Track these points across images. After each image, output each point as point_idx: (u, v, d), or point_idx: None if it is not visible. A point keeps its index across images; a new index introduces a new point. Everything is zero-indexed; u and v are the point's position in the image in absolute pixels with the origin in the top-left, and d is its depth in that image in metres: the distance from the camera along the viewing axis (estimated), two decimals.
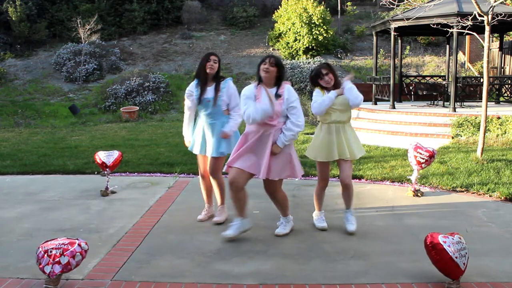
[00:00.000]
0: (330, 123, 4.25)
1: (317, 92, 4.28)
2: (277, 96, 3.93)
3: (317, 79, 4.24)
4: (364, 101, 14.97)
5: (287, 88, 4.00)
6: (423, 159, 5.47)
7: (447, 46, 14.49)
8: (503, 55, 14.59)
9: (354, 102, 4.20)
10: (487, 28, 7.08)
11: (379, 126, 10.58)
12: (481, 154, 7.09)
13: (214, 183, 4.61)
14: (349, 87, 4.21)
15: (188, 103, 4.57)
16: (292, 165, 4.04)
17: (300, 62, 17.47)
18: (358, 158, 4.40)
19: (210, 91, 4.39)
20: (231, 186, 3.97)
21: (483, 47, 8.42)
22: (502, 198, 5.37)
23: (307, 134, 10.39)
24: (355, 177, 6.40)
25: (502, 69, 14.81)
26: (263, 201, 4.86)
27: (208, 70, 4.37)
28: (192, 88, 4.50)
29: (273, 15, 20.75)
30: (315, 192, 4.47)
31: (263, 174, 3.93)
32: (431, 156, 5.50)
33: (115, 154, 5.83)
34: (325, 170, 4.38)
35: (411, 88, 14.20)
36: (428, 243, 3.21)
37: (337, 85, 4.25)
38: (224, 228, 4.23)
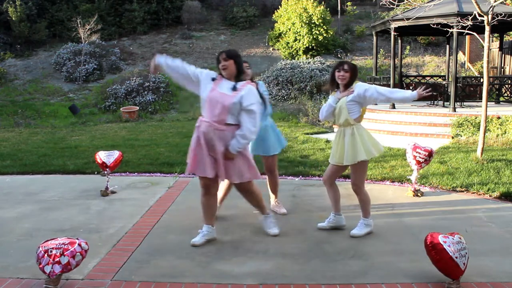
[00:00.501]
0: (338, 126, 4.26)
1: (329, 97, 4.25)
2: (234, 89, 3.73)
3: (335, 70, 4.10)
4: None
5: (249, 88, 3.76)
6: (422, 158, 5.48)
7: (447, 46, 14.49)
8: (503, 55, 14.59)
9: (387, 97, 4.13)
10: (487, 28, 7.08)
11: (379, 126, 10.58)
12: (481, 154, 7.09)
13: (270, 179, 4.80)
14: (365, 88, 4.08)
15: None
16: (251, 167, 3.90)
17: (300, 62, 17.46)
18: (354, 163, 4.18)
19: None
20: (203, 192, 3.96)
21: (483, 47, 8.42)
22: (502, 198, 5.37)
23: (307, 134, 10.40)
24: None
25: (502, 69, 14.81)
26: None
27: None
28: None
29: (273, 15, 20.75)
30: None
31: (223, 177, 3.87)
32: (430, 154, 5.50)
33: (116, 154, 5.83)
34: (328, 170, 4.36)
35: (411, 88, 14.20)
36: (428, 243, 3.21)
37: (348, 86, 4.12)
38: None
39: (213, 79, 3.84)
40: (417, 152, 5.51)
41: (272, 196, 4.92)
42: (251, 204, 4.23)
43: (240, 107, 3.70)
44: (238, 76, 3.82)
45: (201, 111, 3.85)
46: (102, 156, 5.76)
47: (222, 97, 3.71)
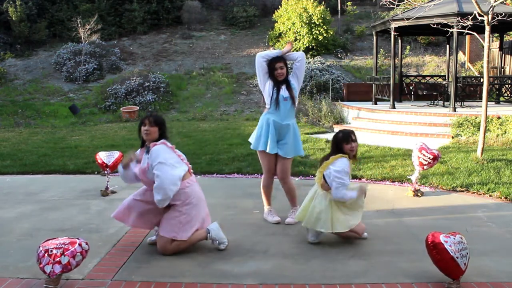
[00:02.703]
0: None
1: (344, 163, 3.90)
2: (147, 153, 3.76)
3: (344, 143, 3.91)
4: (364, 101, 14.95)
5: (152, 151, 3.72)
6: (426, 161, 5.45)
7: (447, 46, 14.49)
8: (503, 55, 14.59)
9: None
10: (487, 28, 7.08)
11: (379, 126, 10.58)
12: (481, 154, 7.09)
13: (286, 185, 4.63)
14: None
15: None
16: (182, 226, 3.76)
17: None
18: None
19: (285, 90, 4.46)
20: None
21: (483, 47, 8.42)
22: (502, 198, 5.37)
23: (307, 134, 10.40)
24: (355, 177, 6.41)
25: (502, 69, 14.81)
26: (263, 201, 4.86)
27: (279, 78, 4.44)
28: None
29: (273, 15, 20.75)
30: None
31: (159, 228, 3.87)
32: (435, 158, 5.45)
33: (116, 154, 5.85)
34: None
35: (411, 88, 14.20)
36: (429, 242, 3.21)
37: (355, 156, 4.06)
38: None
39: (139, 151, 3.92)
40: (422, 154, 5.48)
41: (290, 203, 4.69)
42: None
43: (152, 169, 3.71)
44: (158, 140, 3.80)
45: None
46: (103, 156, 5.77)
47: (142, 175, 3.81)
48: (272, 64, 4.43)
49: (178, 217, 3.75)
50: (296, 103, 4.54)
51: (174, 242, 3.75)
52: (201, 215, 3.86)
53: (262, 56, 4.46)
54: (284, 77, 4.47)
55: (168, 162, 3.68)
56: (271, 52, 4.50)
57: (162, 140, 3.79)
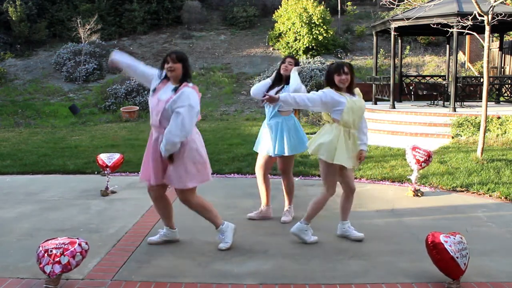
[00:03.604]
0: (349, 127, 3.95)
1: (326, 91, 3.86)
2: (175, 91, 3.65)
3: (335, 74, 3.83)
4: (364, 101, 14.77)
5: (182, 91, 3.61)
6: (422, 157, 5.48)
7: (447, 46, 14.49)
8: (503, 55, 14.59)
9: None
10: (487, 28, 7.08)
11: (379, 126, 10.58)
12: (481, 154, 7.09)
13: (285, 182, 4.69)
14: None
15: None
16: (188, 174, 3.70)
17: (300, 62, 17.46)
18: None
19: (284, 91, 4.51)
20: (151, 196, 3.97)
21: (483, 47, 8.42)
22: (502, 198, 5.37)
23: (307, 134, 10.38)
24: (355, 176, 6.41)
25: (502, 69, 14.80)
26: None
27: (282, 71, 4.53)
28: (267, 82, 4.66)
29: (273, 15, 20.74)
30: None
31: (153, 180, 3.74)
32: (429, 156, 5.53)
33: (116, 156, 5.89)
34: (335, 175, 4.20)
35: (411, 88, 14.20)
36: (429, 242, 3.21)
37: (351, 88, 3.92)
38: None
39: (159, 82, 3.77)
40: (416, 152, 5.53)
41: (286, 200, 4.75)
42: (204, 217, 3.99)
43: (171, 110, 3.60)
44: (183, 79, 3.72)
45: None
46: (103, 157, 5.80)
47: (158, 104, 3.68)
48: (284, 58, 4.61)
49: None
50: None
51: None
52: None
53: (253, 91, 4.62)
54: (288, 74, 4.52)
55: (196, 110, 3.64)
56: (261, 83, 4.66)
57: (194, 85, 3.77)
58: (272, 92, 4.39)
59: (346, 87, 3.89)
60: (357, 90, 3.99)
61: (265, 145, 4.58)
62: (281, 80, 4.57)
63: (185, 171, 3.68)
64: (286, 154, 4.51)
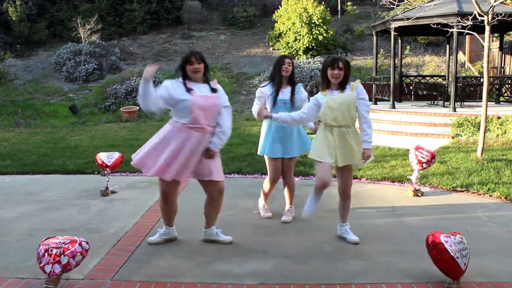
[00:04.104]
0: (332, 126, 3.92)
1: (320, 96, 3.88)
2: (214, 90, 3.78)
3: (329, 67, 3.79)
4: None
5: (219, 86, 3.89)
6: (424, 158, 5.48)
7: (447, 46, 14.49)
8: (503, 55, 14.59)
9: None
10: (487, 28, 7.08)
11: (379, 126, 10.57)
12: (481, 154, 7.09)
13: (288, 183, 4.70)
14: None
15: (255, 105, 4.63)
16: (220, 167, 3.94)
17: (300, 62, 17.46)
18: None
19: (286, 93, 4.49)
20: (164, 198, 3.97)
21: (483, 47, 8.42)
22: (502, 198, 5.37)
23: (308, 134, 10.38)
24: (354, 177, 6.41)
25: (502, 69, 14.81)
26: None
27: (283, 73, 4.49)
28: (266, 90, 4.56)
29: (273, 15, 20.74)
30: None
31: (211, 176, 3.80)
32: (432, 157, 5.49)
33: (116, 155, 5.87)
34: (327, 171, 4.15)
35: (411, 88, 14.20)
36: (429, 242, 3.21)
37: (343, 85, 3.84)
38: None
39: (186, 87, 3.74)
40: (419, 152, 5.52)
41: (287, 200, 4.74)
42: (213, 211, 4.00)
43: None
44: (206, 77, 3.84)
45: (182, 119, 3.73)
46: (103, 157, 5.79)
47: (209, 100, 3.72)
48: (282, 59, 4.55)
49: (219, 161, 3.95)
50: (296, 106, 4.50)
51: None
52: None
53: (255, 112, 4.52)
54: (289, 75, 4.51)
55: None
56: (259, 104, 4.58)
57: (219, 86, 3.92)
58: (286, 95, 4.46)
59: (338, 83, 3.82)
60: (354, 84, 3.86)
61: (279, 148, 4.55)
62: (282, 82, 4.51)
63: (220, 164, 3.92)
64: (296, 155, 4.59)
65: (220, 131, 3.80)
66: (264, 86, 4.62)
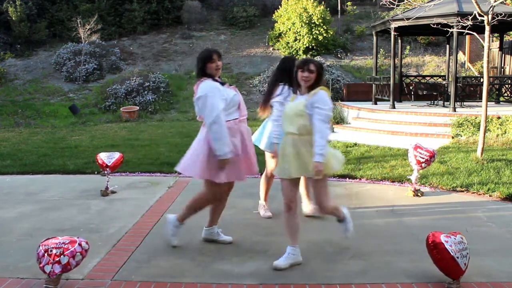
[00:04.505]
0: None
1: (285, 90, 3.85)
2: (223, 84, 3.86)
3: (300, 69, 3.54)
4: (364, 101, 14.89)
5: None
6: (423, 158, 5.48)
7: (447, 46, 14.49)
8: (503, 55, 14.59)
9: None
10: (487, 28, 7.08)
11: (379, 126, 10.58)
12: (481, 154, 7.09)
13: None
14: None
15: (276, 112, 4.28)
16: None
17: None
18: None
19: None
20: (222, 196, 4.04)
21: (483, 47, 8.42)
22: (502, 198, 5.37)
23: None
24: (354, 177, 6.41)
25: (502, 69, 14.81)
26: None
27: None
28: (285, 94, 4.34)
29: (273, 15, 20.74)
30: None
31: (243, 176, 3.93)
32: (431, 156, 5.50)
33: (116, 155, 5.86)
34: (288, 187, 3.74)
35: (411, 88, 14.20)
36: (430, 242, 3.21)
37: (312, 89, 3.54)
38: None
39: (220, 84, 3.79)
40: (418, 152, 5.52)
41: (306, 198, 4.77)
42: (220, 210, 4.12)
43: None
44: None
45: (231, 115, 3.78)
46: (103, 157, 5.78)
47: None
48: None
49: None
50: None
51: None
52: None
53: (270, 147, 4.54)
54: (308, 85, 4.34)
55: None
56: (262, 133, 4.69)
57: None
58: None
59: (307, 87, 3.54)
60: (315, 91, 3.51)
61: None
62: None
63: None
64: None
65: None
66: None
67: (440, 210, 4.96)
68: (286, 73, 4.36)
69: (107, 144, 9.34)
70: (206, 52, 3.79)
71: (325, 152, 3.39)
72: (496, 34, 14.99)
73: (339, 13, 22.18)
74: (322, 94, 3.50)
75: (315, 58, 18.17)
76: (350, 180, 6.36)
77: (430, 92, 13.28)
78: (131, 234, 4.28)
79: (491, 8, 6.94)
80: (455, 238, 3.19)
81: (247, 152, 3.86)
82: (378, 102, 13.17)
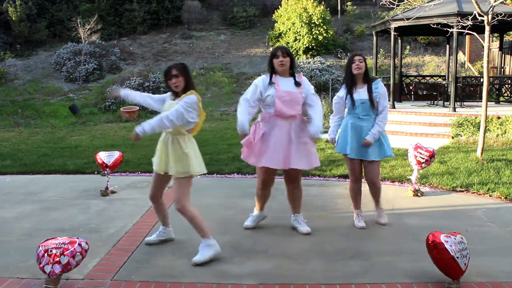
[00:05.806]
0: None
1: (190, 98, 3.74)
2: (297, 84, 4.09)
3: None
4: None
5: (303, 78, 4.20)
6: (423, 158, 5.48)
7: (447, 46, 14.49)
8: (503, 55, 14.59)
9: None
10: (487, 28, 7.08)
11: None
12: (481, 154, 7.09)
13: (375, 186, 4.47)
14: None
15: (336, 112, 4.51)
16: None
17: (300, 62, 17.46)
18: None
19: (362, 93, 4.27)
20: (264, 185, 4.27)
21: (483, 47, 8.42)
22: (502, 198, 5.37)
23: None
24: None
25: (502, 69, 14.81)
26: None
27: (355, 71, 4.27)
28: (341, 93, 4.38)
29: (273, 15, 20.75)
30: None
31: (309, 165, 4.14)
32: (431, 156, 5.50)
33: (116, 154, 5.85)
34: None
35: (411, 88, 14.20)
36: (430, 242, 3.21)
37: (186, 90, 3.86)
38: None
39: (270, 81, 4.09)
40: (418, 152, 5.52)
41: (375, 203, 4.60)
42: (297, 199, 4.34)
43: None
44: (292, 70, 4.14)
45: (268, 109, 4.09)
46: (103, 156, 5.77)
47: (295, 95, 4.07)
48: (352, 57, 4.35)
49: None
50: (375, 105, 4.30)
51: None
52: None
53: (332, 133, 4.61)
54: (363, 72, 4.29)
55: None
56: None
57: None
58: (362, 94, 4.27)
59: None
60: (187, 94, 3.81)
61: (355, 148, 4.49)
62: (354, 81, 4.30)
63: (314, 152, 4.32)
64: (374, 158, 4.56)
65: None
66: (340, 91, 4.46)
67: (440, 210, 4.96)
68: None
69: (107, 144, 9.34)
70: (274, 49, 4.18)
71: (147, 127, 3.70)
72: (496, 34, 14.99)
73: (339, 13, 22.19)
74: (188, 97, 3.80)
75: (315, 58, 18.23)
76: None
77: (430, 92, 13.28)
78: (131, 234, 4.28)
79: (491, 8, 6.94)
80: (455, 238, 3.19)
81: (276, 145, 4.04)
82: None
